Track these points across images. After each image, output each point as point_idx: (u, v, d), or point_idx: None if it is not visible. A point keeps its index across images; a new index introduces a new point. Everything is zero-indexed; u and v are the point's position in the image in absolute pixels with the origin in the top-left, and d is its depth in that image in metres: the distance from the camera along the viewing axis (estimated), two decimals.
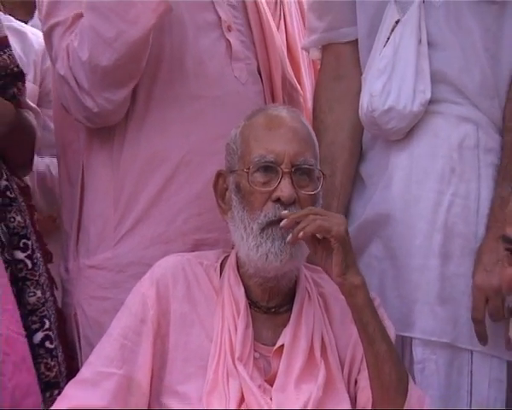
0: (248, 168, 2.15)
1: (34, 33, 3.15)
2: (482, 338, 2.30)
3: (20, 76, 2.52)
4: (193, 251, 2.36)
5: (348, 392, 2.17)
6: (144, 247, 2.47)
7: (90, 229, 2.53)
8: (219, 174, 2.22)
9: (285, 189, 2.13)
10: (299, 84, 2.87)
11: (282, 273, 2.14)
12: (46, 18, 2.41)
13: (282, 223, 2.11)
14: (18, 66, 2.51)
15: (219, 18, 2.53)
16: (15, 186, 2.49)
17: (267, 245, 2.16)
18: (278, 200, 2.13)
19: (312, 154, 2.20)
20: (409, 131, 2.39)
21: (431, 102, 2.35)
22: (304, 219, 2.12)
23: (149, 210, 2.49)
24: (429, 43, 2.37)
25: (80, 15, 2.32)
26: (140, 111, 2.47)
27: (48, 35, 2.40)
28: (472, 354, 2.38)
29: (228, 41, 2.53)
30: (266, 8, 2.74)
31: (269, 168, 2.14)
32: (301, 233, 2.09)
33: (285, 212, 2.11)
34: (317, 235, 2.13)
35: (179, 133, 2.47)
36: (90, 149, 2.54)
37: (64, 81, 2.36)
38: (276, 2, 3.06)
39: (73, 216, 2.60)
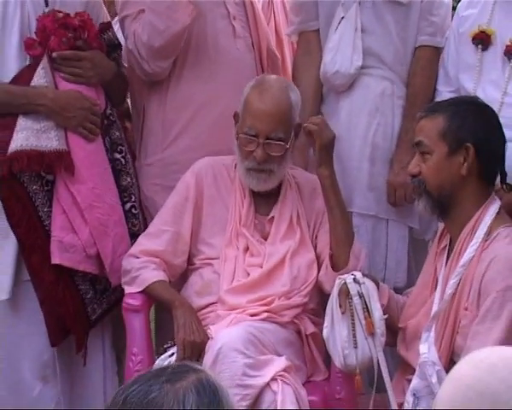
0: (241, 132, 2.62)
1: None
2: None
3: (119, 46, 2.93)
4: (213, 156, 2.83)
5: (312, 244, 2.70)
6: (181, 152, 2.93)
7: (148, 141, 2.99)
8: (235, 114, 2.69)
9: (257, 154, 2.59)
10: (282, 56, 3.27)
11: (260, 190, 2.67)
12: (120, 11, 2.88)
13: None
14: (117, 39, 2.93)
15: (228, 11, 2.98)
16: (115, 113, 2.92)
17: (250, 179, 2.65)
18: (254, 158, 2.60)
19: (283, 129, 2.62)
20: (349, 86, 2.88)
21: (362, 67, 2.83)
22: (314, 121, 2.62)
23: (184, 130, 2.93)
24: (362, 30, 2.82)
25: (142, 11, 2.76)
26: (177, 71, 2.91)
27: (122, 22, 2.88)
28: (388, 221, 2.88)
29: (233, 26, 2.97)
30: (258, 5, 3.18)
31: (252, 136, 2.61)
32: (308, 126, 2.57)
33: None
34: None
35: (202, 84, 2.91)
36: (148, 94, 2.99)
37: (131, 53, 2.83)
38: (268, 2, 3.41)
39: (138, 133, 3.05)
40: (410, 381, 2.30)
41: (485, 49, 2.71)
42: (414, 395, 2.26)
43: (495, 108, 2.47)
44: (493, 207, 2.30)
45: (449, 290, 2.30)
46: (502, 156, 2.37)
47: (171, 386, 1.28)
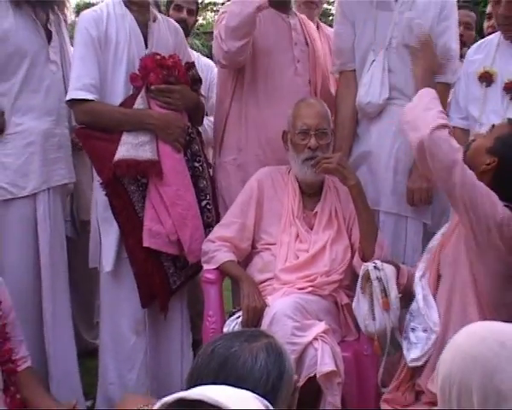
0: (295, 134, 2.68)
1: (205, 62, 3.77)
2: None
3: (200, 80, 3.01)
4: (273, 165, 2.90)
5: (347, 234, 2.75)
6: (249, 157, 3.00)
7: (227, 144, 3.07)
8: (284, 132, 2.77)
9: (311, 143, 2.67)
10: (328, 83, 3.23)
11: (310, 180, 2.72)
12: (219, 16, 2.98)
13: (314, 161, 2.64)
14: (199, 75, 3.01)
15: (294, 55, 3.03)
16: (195, 131, 2.96)
17: (305, 170, 2.69)
18: (309, 147, 2.67)
19: (326, 123, 2.72)
20: (379, 113, 2.90)
21: (389, 99, 2.86)
22: (330, 160, 2.62)
23: (251, 141, 2.99)
24: (389, 70, 2.85)
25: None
26: (252, 99, 2.98)
27: (218, 18, 2.95)
28: (407, 218, 2.89)
29: (296, 67, 3.03)
30: (320, 48, 3.17)
31: (304, 132, 2.68)
32: (324, 166, 2.62)
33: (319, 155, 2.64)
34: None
35: (266, 109, 2.97)
36: (229, 109, 3.03)
37: (216, 40, 2.89)
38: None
39: (219, 137, 3.11)
40: None
41: (488, 85, 2.75)
42: (410, 313, 2.34)
43: None
44: None
45: (433, 242, 2.43)
46: None
47: (248, 344, 1.31)
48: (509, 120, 2.33)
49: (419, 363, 2.25)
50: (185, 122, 2.89)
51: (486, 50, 2.81)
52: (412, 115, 2.30)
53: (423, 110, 2.26)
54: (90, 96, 2.75)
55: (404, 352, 2.28)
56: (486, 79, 2.75)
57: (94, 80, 2.75)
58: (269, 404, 0.92)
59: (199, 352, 1.33)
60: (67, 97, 2.79)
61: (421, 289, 2.32)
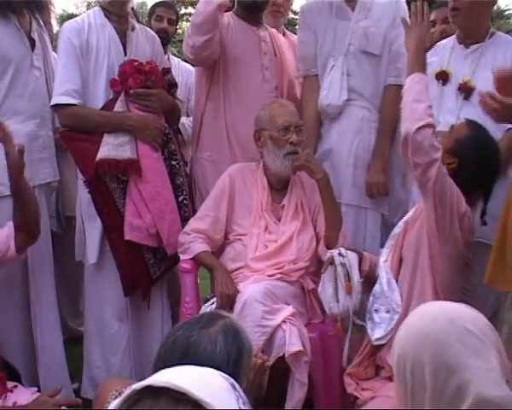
0: (275, 131, 2.68)
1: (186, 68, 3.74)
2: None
3: (175, 84, 3.04)
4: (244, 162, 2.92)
5: (312, 225, 2.77)
6: (223, 153, 3.00)
7: (203, 141, 3.08)
8: (256, 131, 2.76)
9: (294, 139, 2.69)
10: (294, 89, 3.23)
11: (287, 175, 2.75)
12: None
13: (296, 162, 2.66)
14: (174, 80, 3.05)
15: (262, 63, 3.06)
16: (172, 132, 2.96)
17: (286, 163, 2.69)
18: (292, 143, 2.69)
19: (301, 121, 2.75)
20: (339, 114, 2.94)
21: (347, 100, 2.91)
22: (298, 157, 2.65)
23: (224, 140, 2.99)
24: (347, 74, 2.90)
25: None
26: (222, 100, 2.98)
27: None
28: (366, 209, 2.94)
29: (263, 74, 3.06)
30: (288, 58, 3.18)
31: (286, 128, 2.69)
32: (299, 163, 2.64)
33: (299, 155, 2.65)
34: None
35: (236, 111, 2.98)
36: (204, 106, 3.05)
37: (185, 38, 2.89)
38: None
39: (196, 134, 3.14)
40: None
41: (444, 84, 2.79)
42: (373, 295, 2.37)
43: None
44: None
45: (397, 229, 2.48)
46: (482, 188, 2.29)
47: (206, 331, 1.31)
48: (467, 120, 2.37)
49: (383, 341, 2.29)
50: (162, 123, 2.94)
51: (442, 53, 2.87)
52: (404, 102, 2.22)
53: (413, 101, 2.19)
54: (72, 101, 2.80)
55: (369, 331, 2.32)
56: (443, 78, 2.79)
57: (76, 86, 2.81)
58: (233, 380, 0.91)
59: (162, 342, 1.34)
60: (52, 102, 2.83)
61: (384, 273, 2.36)
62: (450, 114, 2.70)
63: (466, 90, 2.71)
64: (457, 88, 2.73)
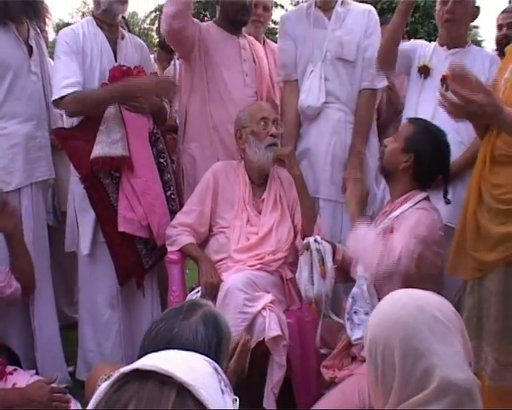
0: (255, 126, 2.70)
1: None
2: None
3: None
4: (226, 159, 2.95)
5: (290, 218, 2.79)
6: (206, 152, 3.01)
7: (189, 133, 3.06)
8: (237, 130, 2.77)
9: (273, 130, 2.71)
10: (274, 93, 3.27)
11: (268, 167, 2.76)
12: None
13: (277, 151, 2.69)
14: None
15: (243, 69, 3.07)
16: (160, 132, 3.00)
17: (268, 154, 2.69)
18: (271, 135, 2.72)
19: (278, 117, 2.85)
20: (317, 115, 2.96)
21: (325, 103, 2.93)
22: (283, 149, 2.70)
23: (207, 137, 2.98)
24: (325, 79, 2.93)
25: None
26: (205, 98, 2.98)
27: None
28: (343, 204, 2.86)
29: (244, 79, 3.07)
30: (266, 65, 3.22)
31: (264, 120, 2.71)
32: (284, 152, 2.65)
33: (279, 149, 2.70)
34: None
35: (218, 111, 2.98)
36: (188, 100, 3.02)
37: (162, 23, 2.94)
38: (266, 56, 3.32)
39: (182, 127, 3.14)
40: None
41: (425, 77, 2.81)
42: (352, 298, 2.35)
43: (428, 117, 2.50)
44: (418, 196, 2.28)
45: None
46: (441, 173, 2.33)
47: (187, 322, 1.32)
48: (409, 119, 2.45)
49: (362, 341, 2.22)
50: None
51: (424, 50, 2.87)
52: (359, 251, 2.26)
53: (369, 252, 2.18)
54: (76, 88, 2.80)
55: (348, 332, 2.32)
56: (425, 72, 2.81)
57: (79, 78, 2.82)
58: (216, 365, 0.92)
59: (144, 334, 1.35)
60: (55, 96, 2.84)
61: (364, 280, 2.28)
62: (429, 103, 2.68)
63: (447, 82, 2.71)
64: (440, 79, 2.71)
